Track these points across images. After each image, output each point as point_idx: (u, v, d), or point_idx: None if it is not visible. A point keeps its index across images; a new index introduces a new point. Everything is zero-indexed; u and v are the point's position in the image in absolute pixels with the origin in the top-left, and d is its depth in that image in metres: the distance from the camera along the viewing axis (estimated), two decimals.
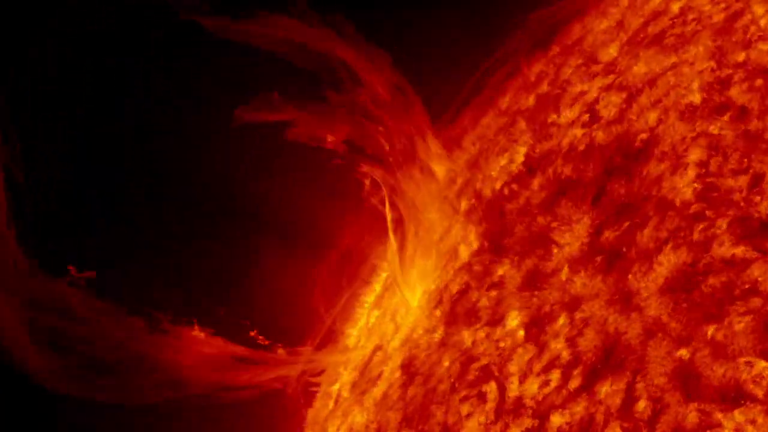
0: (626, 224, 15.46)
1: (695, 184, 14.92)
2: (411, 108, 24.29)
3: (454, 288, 18.44)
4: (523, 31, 24.20)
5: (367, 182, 24.30)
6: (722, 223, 14.05)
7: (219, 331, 23.23)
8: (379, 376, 19.46)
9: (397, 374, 18.61)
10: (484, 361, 16.16)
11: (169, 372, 22.64)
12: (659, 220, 14.93)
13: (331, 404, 21.75)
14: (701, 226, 14.28)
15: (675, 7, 19.41)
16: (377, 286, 23.96)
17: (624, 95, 18.21)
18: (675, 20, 19.12)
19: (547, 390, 14.63)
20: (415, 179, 23.24)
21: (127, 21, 25.28)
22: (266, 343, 23.44)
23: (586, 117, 18.68)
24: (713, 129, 15.52)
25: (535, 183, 18.34)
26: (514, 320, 16.15)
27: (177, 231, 25.13)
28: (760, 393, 12.22)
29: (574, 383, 14.29)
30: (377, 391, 19.09)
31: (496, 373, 15.68)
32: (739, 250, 13.60)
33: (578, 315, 14.98)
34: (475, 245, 18.76)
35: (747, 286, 13.22)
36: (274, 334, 23.64)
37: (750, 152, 14.59)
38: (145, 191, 25.15)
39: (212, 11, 24.20)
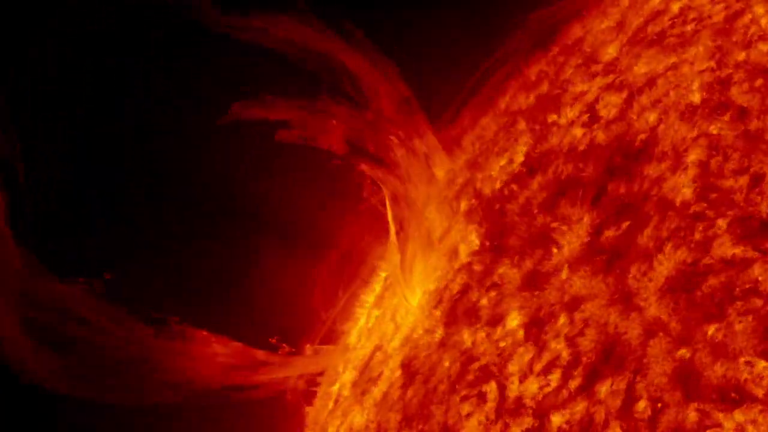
0: (626, 224, 15.47)
1: (695, 184, 14.92)
2: (410, 109, 24.32)
3: (454, 288, 18.44)
4: (523, 31, 24.21)
5: (368, 183, 24.34)
6: (722, 223, 14.05)
7: (218, 332, 23.26)
8: (379, 376, 19.47)
9: (397, 374, 18.61)
10: (484, 361, 16.16)
11: (169, 372, 22.67)
12: (659, 220, 14.93)
13: (330, 404, 21.77)
14: (701, 226, 14.28)
15: (675, 7, 19.43)
16: (377, 286, 23.96)
17: (624, 95, 18.21)
18: (675, 20, 19.13)
19: (547, 390, 14.63)
20: (414, 179, 23.25)
21: (127, 21, 25.28)
22: (267, 343, 23.48)
23: (586, 117, 18.69)
24: (713, 129, 15.52)
25: (535, 183, 18.34)
26: (514, 320, 16.15)
27: (177, 231, 25.13)
28: (760, 393, 12.22)
29: (574, 383, 14.29)
30: (377, 391, 19.09)
31: (496, 373, 15.68)
32: (739, 250, 13.60)
33: (578, 315, 14.97)
34: (475, 245, 18.76)
35: (747, 286, 13.22)
36: (274, 334, 23.67)
37: (750, 152, 14.59)
38: (145, 191, 25.16)
39: (212, 11, 24.24)
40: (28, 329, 22.48)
